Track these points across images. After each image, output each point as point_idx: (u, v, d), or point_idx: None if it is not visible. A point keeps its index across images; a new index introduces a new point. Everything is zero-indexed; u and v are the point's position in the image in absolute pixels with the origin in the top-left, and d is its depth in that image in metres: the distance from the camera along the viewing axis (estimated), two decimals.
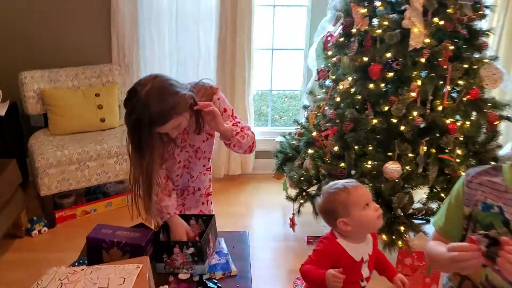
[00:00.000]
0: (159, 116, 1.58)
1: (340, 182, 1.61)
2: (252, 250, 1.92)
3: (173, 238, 1.81)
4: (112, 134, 3.43)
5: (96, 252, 1.64)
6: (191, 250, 1.71)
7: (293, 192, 3.06)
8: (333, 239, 1.61)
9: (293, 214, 3.02)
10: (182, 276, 1.74)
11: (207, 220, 1.90)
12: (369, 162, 2.67)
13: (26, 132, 3.57)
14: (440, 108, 2.59)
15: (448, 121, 2.58)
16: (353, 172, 2.78)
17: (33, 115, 3.48)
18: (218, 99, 1.82)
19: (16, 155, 3.26)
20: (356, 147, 2.72)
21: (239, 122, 1.83)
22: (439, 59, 2.57)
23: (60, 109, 3.37)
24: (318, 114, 2.97)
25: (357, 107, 2.74)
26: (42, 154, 3.04)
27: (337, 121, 2.78)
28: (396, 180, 2.58)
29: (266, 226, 3.35)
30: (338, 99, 2.82)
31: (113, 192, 3.54)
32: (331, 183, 1.64)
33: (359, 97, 2.74)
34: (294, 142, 3.18)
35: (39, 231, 3.11)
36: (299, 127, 3.20)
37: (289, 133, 3.40)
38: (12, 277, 2.68)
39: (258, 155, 4.08)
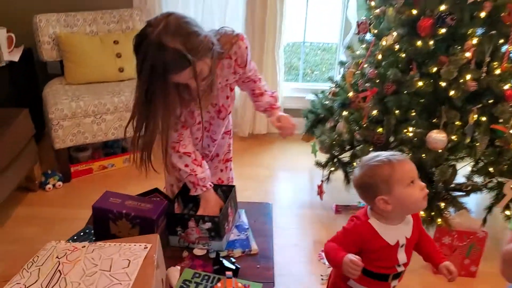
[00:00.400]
0: (175, 60, 1.35)
1: (383, 154, 1.43)
2: (275, 217, 1.77)
3: (201, 214, 1.66)
4: (131, 85, 3.26)
5: (102, 222, 1.51)
6: (208, 225, 1.56)
7: (323, 157, 2.87)
8: (366, 219, 1.46)
9: (322, 181, 2.84)
10: (197, 251, 1.61)
11: (227, 190, 1.74)
12: (411, 129, 2.44)
13: (43, 80, 3.45)
14: (497, 71, 2.31)
15: (505, 87, 2.30)
16: (391, 139, 2.56)
17: (48, 61, 3.33)
18: (246, 47, 1.61)
19: (31, 104, 3.15)
20: (397, 111, 2.48)
21: (261, 79, 1.80)
22: (502, 14, 2.26)
23: (76, 56, 3.21)
24: (356, 72, 2.72)
25: (401, 66, 2.47)
26: (56, 104, 2.91)
27: (378, 81, 2.53)
28: (440, 151, 2.35)
29: (291, 191, 3.19)
30: (379, 56, 2.55)
31: None
32: (372, 154, 1.46)
33: (404, 55, 2.47)
34: (327, 102, 2.94)
35: (54, 186, 3.04)
36: (334, 85, 2.95)
37: (322, 91, 3.16)
38: (24, 232, 2.63)
39: (286, 113, 3.85)
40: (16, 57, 3.12)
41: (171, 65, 1.35)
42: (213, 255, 1.58)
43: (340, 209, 2.92)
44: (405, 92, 2.42)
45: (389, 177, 1.37)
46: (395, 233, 1.44)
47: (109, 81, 3.29)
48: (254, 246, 1.64)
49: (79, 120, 2.95)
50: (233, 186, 1.74)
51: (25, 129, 2.76)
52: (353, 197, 2.82)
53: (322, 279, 2.36)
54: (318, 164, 2.79)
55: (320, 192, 2.88)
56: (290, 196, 3.13)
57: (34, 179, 2.94)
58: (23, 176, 2.81)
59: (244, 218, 1.79)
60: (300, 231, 2.77)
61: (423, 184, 1.41)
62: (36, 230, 2.64)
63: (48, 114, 2.91)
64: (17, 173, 2.70)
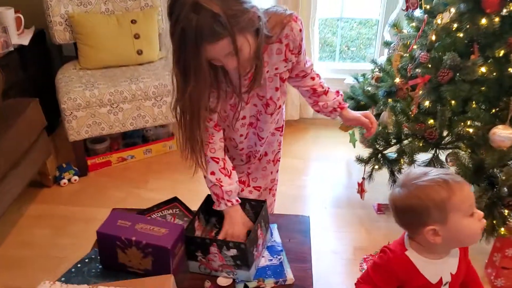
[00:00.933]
0: (210, 26, 1.12)
1: (433, 172, 1.16)
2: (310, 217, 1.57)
3: (224, 235, 1.44)
4: (151, 70, 3.04)
5: (109, 250, 1.30)
6: (233, 252, 1.33)
7: (363, 149, 2.58)
8: (402, 251, 1.22)
9: (363, 178, 2.57)
10: (221, 281, 1.39)
11: (256, 206, 1.51)
12: (470, 123, 2.13)
13: (58, 63, 3.26)
14: None
15: None
16: (445, 133, 2.26)
17: (61, 44, 3.12)
18: (300, 30, 1.37)
19: (45, 92, 2.97)
20: (453, 102, 2.17)
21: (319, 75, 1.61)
22: None
23: (90, 39, 2.99)
24: (405, 55, 2.40)
25: (460, 50, 2.15)
26: (68, 93, 2.71)
27: (430, 66, 2.22)
28: (505, 149, 2.04)
29: (326, 186, 2.93)
30: (433, 37, 2.23)
31: (153, 136, 3.22)
32: (418, 170, 1.20)
33: (463, 35, 2.14)
34: (369, 88, 2.64)
35: (69, 180, 2.87)
36: (377, 69, 2.64)
37: (363, 74, 2.85)
38: (35, 235, 2.48)
39: None
40: (26, 40, 2.92)
41: (205, 30, 1.12)
42: (240, 287, 1.36)
43: (383, 208, 2.65)
44: (464, 80, 2.10)
45: (446, 202, 1.12)
46: (438, 268, 1.21)
47: (126, 65, 3.07)
48: (289, 275, 1.40)
49: (94, 110, 2.75)
50: (264, 201, 1.49)
51: (35, 121, 2.58)
52: None
53: None
54: (359, 159, 2.51)
55: (361, 190, 2.61)
56: (326, 192, 2.87)
57: (48, 174, 2.78)
58: (35, 171, 2.64)
59: (276, 236, 1.56)
60: (338, 234, 2.53)
61: (482, 213, 1.16)
62: (47, 233, 2.49)
63: (60, 104, 2.71)
64: (28, 169, 2.53)
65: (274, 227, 1.59)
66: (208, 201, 1.54)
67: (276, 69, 1.43)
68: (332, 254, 2.37)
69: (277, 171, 1.81)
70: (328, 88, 1.62)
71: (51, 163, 2.81)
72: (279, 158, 1.78)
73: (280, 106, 1.54)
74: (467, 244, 1.24)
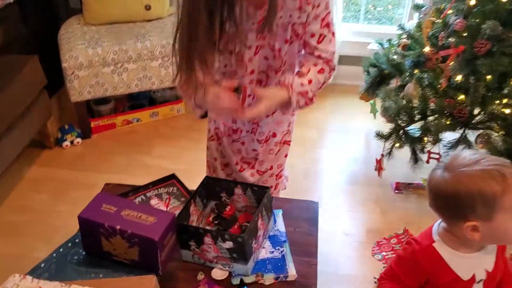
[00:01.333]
0: None
1: (486, 160, 1.02)
2: (320, 193, 1.42)
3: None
4: (159, 27, 2.86)
5: (93, 237, 1.18)
6: (229, 244, 1.21)
7: (383, 122, 2.39)
8: (429, 243, 1.10)
9: (382, 155, 2.40)
10: (216, 273, 1.27)
11: (259, 192, 1.36)
12: (506, 102, 1.93)
13: (64, 16, 3.09)
14: None
15: None
16: (476, 111, 2.07)
17: None
18: None
19: (48, 48, 2.82)
20: (489, 77, 1.96)
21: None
22: None
23: None
24: (437, 21, 2.17)
25: (501, 18, 1.92)
26: (70, 51, 2.56)
27: (466, 35, 1.99)
28: None
29: (342, 161, 2.77)
30: (472, 2, 1.99)
31: (160, 98, 3.07)
32: (467, 155, 1.05)
33: (507, 1, 1.91)
34: (395, 56, 2.43)
35: (72, 142, 2.77)
36: (405, 35, 2.41)
37: (389, 40, 2.63)
38: (34, 200, 2.40)
39: (342, 60, 3.37)
40: None
41: None
42: (236, 281, 1.24)
43: (401, 187, 2.49)
44: (503, 52, 1.89)
45: (497, 199, 0.98)
46: (471, 264, 1.09)
47: (134, 20, 2.90)
48: (291, 270, 1.27)
49: (97, 69, 2.61)
50: (267, 188, 1.35)
51: (34, 80, 2.45)
52: (417, 173, 2.39)
53: (375, 282, 1.99)
54: (379, 135, 2.34)
55: (379, 168, 2.45)
56: (341, 167, 2.71)
57: (49, 136, 2.67)
58: (34, 132, 2.53)
59: (280, 224, 1.42)
60: (350, 214, 2.39)
61: None
62: (46, 198, 2.41)
63: (61, 62, 2.57)
64: (27, 130, 2.43)
65: (278, 214, 1.45)
66: (206, 184, 1.40)
67: (290, 16, 1.29)
68: (343, 235, 2.24)
69: (286, 156, 1.66)
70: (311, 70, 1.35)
71: (53, 124, 2.71)
72: (289, 141, 1.63)
73: (285, 63, 1.38)
74: (508, 243, 1.12)
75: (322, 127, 3.08)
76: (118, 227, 1.14)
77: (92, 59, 2.57)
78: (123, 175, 2.54)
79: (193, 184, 1.87)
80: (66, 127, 2.77)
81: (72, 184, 2.49)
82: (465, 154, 1.05)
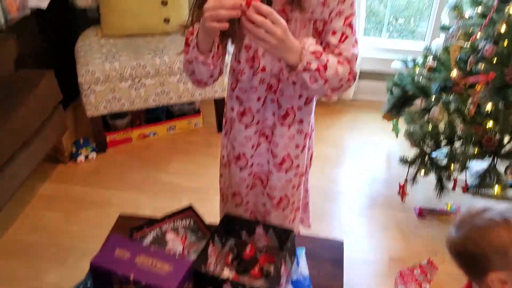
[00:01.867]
0: None
1: (495, 209, 1.01)
2: (339, 216, 1.34)
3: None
4: (178, 40, 2.80)
5: (104, 284, 1.12)
6: None
7: (407, 146, 2.31)
8: None
9: (406, 180, 2.31)
10: None
11: (282, 234, 1.29)
12: None
13: (82, 26, 3.05)
14: None
15: None
16: (506, 139, 1.98)
17: (83, 8, 2.91)
18: None
19: (66, 60, 2.77)
20: None
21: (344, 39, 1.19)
22: None
23: (114, 3, 2.76)
24: (466, 45, 2.08)
25: None
26: (86, 65, 2.51)
27: (495, 62, 1.90)
28: None
29: (362, 180, 2.68)
30: (503, 28, 1.90)
31: (178, 112, 3.02)
32: (479, 205, 1.05)
33: None
34: (420, 79, 2.34)
35: (86, 157, 2.72)
36: (431, 57, 2.32)
37: (414, 59, 2.53)
38: (46, 219, 2.35)
39: (363, 75, 3.29)
40: (44, 3, 2.71)
41: None
42: None
43: (425, 213, 2.40)
44: None
45: (509, 247, 0.96)
46: None
47: (152, 33, 2.84)
48: None
49: (114, 84, 2.56)
50: (291, 231, 1.28)
51: (50, 95, 2.40)
52: (441, 199, 2.30)
53: None
54: (403, 160, 2.25)
55: (402, 193, 2.36)
56: (361, 189, 2.63)
57: (64, 151, 2.63)
58: (49, 148, 2.48)
59: (303, 267, 1.35)
60: (371, 240, 2.30)
61: None
62: (58, 217, 2.35)
63: (78, 77, 2.53)
64: (42, 146, 2.38)
65: (301, 254, 1.38)
66: (224, 222, 1.34)
67: (312, 12, 1.18)
68: (363, 264, 2.16)
69: (300, 185, 1.52)
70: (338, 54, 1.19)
71: (67, 137, 2.66)
72: (305, 169, 1.52)
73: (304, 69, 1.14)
74: None
75: (341, 145, 3.00)
76: (131, 275, 1.08)
77: (109, 74, 2.52)
78: (137, 193, 2.49)
79: (209, 205, 1.79)
80: (81, 141, 2.72)
81: (85, 202, 2.44)
82: (477, 206, 1.05)
